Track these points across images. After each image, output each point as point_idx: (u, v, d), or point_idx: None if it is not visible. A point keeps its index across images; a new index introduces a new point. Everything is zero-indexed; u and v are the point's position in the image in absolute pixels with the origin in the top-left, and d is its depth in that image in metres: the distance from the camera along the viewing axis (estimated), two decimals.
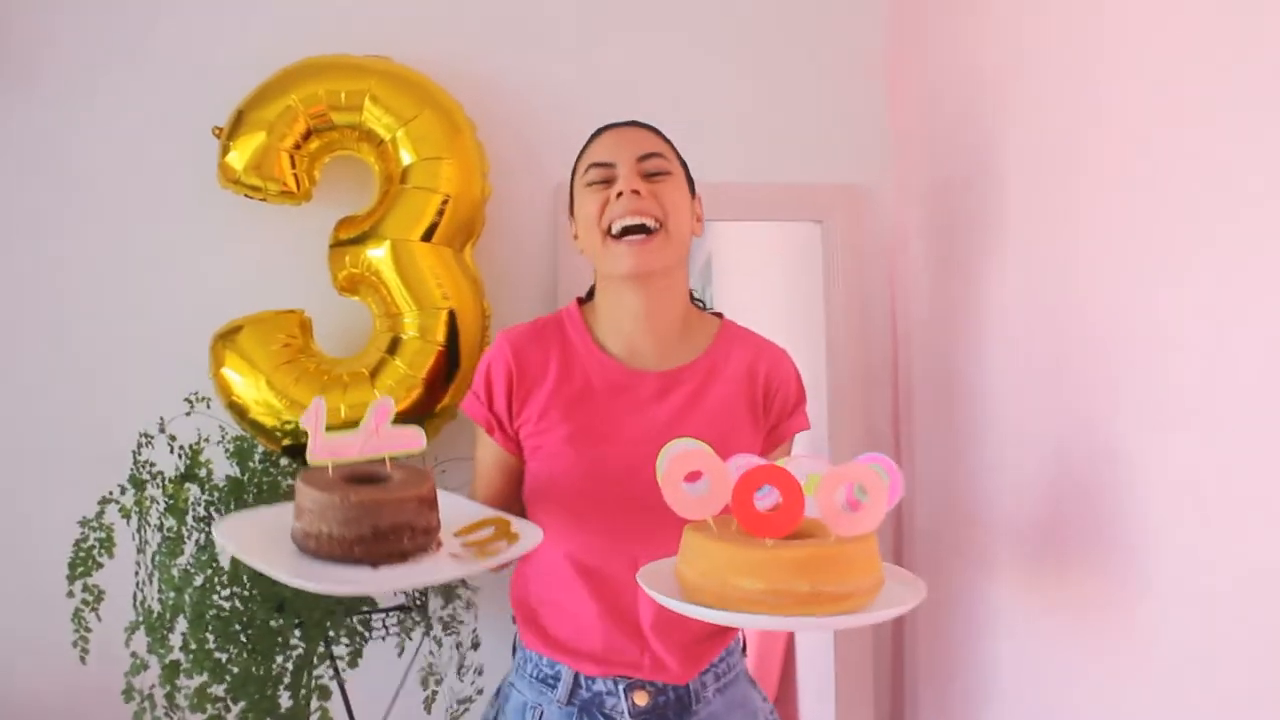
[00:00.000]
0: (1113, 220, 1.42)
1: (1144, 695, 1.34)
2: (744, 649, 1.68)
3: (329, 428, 1.80)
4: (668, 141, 1.60)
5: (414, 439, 1.35)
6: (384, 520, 1.26)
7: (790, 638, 2.30)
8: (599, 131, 1.61)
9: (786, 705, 2.71)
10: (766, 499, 1.20)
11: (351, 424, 1.53)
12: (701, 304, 1.70)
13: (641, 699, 1.53)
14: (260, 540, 1.33)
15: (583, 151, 1.60)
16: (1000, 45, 1.76)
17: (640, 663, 1.53)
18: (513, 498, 1.62)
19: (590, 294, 1.68)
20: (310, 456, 1.30)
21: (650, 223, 1.50)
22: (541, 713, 1.55)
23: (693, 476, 1.22)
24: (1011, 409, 1.71)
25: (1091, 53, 1.47)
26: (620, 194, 1.50)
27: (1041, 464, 1.60)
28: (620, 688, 1.53)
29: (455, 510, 1.46)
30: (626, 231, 1.50)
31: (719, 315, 1.68)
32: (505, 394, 1.57)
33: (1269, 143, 1.12)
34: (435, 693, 1.85)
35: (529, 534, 1.40)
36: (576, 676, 1.54)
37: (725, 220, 2.18)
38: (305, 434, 1.86)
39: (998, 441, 1.75)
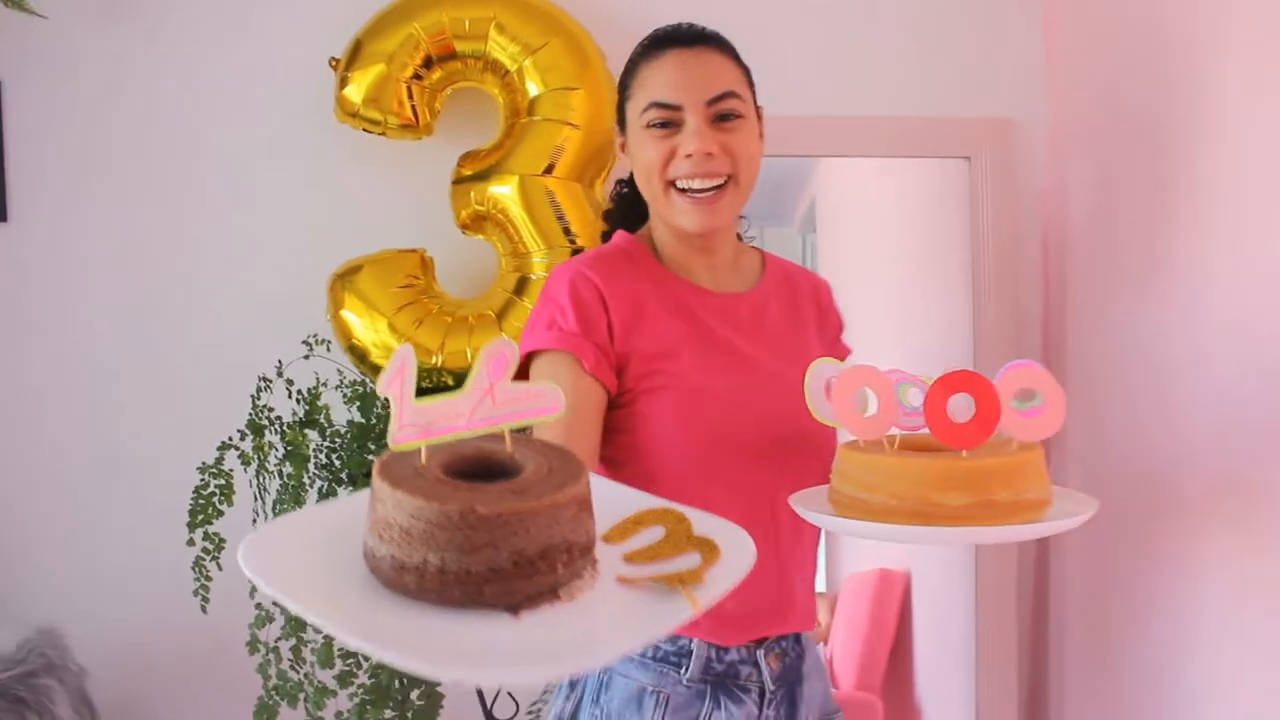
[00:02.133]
0: None
1: None
2: None
3: (443, 386, 1.65)
4: (737, 61, 1.38)
5: (550, 401, 0.86)
6: (532, 542, 0.77)
7: None
8: (658, 45, 1.36)
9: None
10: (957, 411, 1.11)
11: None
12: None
13: (776, 663, 1.37)
14: (316, 564, 0.80)
15: (637, 64, 1.36)
16: None
17: (782, 610, 1.37)
18: (596, 452, 1.32)
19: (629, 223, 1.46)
20: (394, 438, 0.81)
21: (721, 181, 1.32)
22: (668, 698, 1.33)
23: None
24: (1182, 362, 1.58)
25: None
26: (690, 155, 1.30)
27: (1219, 419, 1.47)
28: (758, 654, 1.35)
29: (601, 500, 0.88)
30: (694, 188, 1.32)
31: (756, 247, 1.52)
32: (603, 321, 1.30)
33: None
34: None
35: (733, 543, 0.88)
36: (710, 649, 1.33)
37: (864, 156, 2.05)
38: (426, 379, 1.80)
39: (1167, 406, 1.62)
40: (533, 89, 1.84)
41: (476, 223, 1.87)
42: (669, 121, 1.31)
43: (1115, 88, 1.83)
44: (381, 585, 0.78)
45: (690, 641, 1.32)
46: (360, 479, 1.65)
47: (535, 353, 1.29)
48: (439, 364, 1.78)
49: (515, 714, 1.84)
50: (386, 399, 1.63)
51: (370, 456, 1.69)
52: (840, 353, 1.51)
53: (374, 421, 1.73)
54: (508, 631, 0.75)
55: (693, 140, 1.29)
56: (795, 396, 1.24)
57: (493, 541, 0.76)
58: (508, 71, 1.86)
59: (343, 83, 1.87)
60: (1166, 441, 1.64)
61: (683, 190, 1.31)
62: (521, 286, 1.83)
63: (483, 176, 1.84)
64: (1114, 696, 1.80)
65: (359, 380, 1.82)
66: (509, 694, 1.87)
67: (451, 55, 1.87)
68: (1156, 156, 1.67)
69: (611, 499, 0.90)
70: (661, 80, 1.33)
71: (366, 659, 1.55)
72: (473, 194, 1.85)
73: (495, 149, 1.86)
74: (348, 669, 1.55)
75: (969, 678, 2.08)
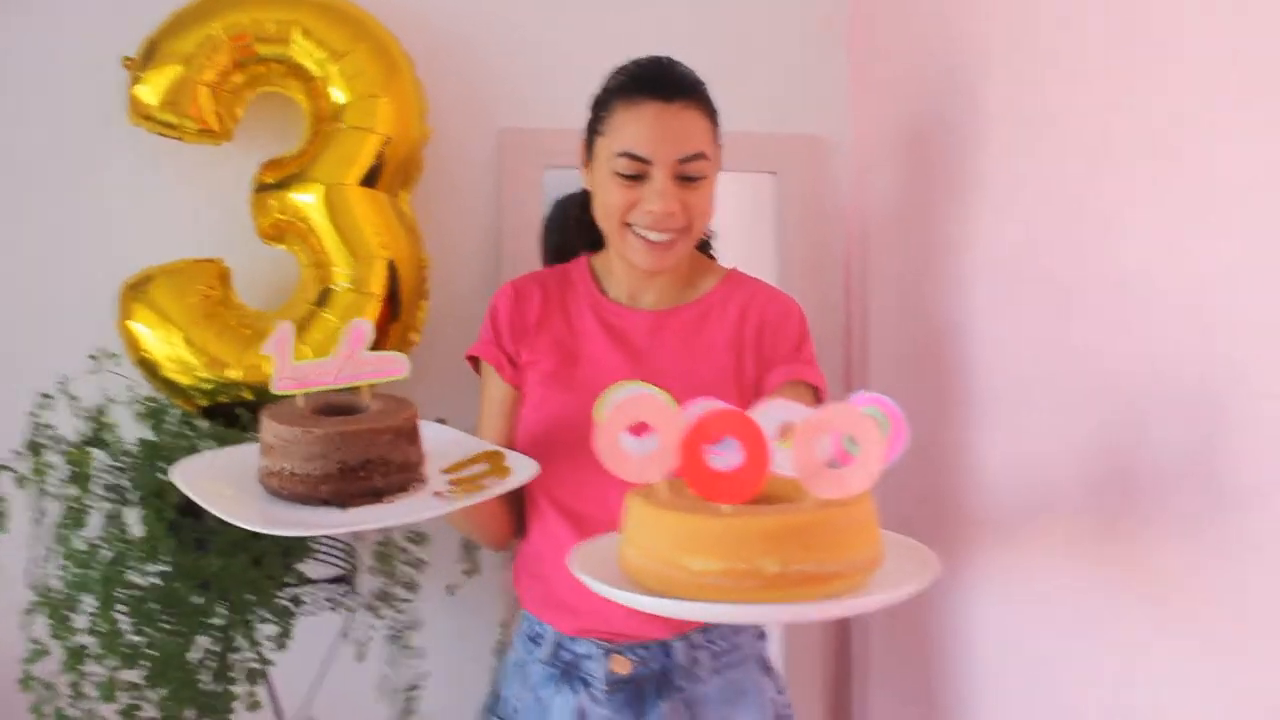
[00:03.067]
0: (1096, 176, 1.35)
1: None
2: (762, 633, 1.56)
3: (241, 401, 1.66)
4: (710, 114, 1.49)
5: (395, 365, 1.24)
6: (353, 455, 1.14)
7: None
8: (640, 91, 1.44)
9: None
10: (727, 455, 0.95)
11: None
12: (712, 255, 1.68)
13: (621, 666, 1.44)
14: (223, 482, 1.20)
15: (614, 100, 1.45)
16: None
17: (613, 618, 1.40)
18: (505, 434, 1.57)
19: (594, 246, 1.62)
20: (275, 386, 1.18)
21: (674, 235, 1.44)
22: (528, 672, 1.50)
23: (639, 429, 0.99)
24: (983, 371, 1.63)
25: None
26: (652, 210, 1.41)
27: (1034, 430, 1.52)
28: (600, 652, 1.44)
29: (451, 445, 1.35)
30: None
31: (730, 268, 1.62)
32: (510, 331, 1.53)
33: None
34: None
35: (522, 468, 1.28)
36: (559, 636, 1.47)
37: None
38: (223, 394, 1.72)
39: (973, 406, 1.67)
40: (338, 96, 1.79)
41: (278, 232, 1.80)
42: (638, 174, 1.41)
43: (913, 106, 1.89)
44: (264, 491, 1.18)
45: (546, 626, 1.48)
46: (150, 499, 1.56)
47: None
48: (237, 378, 1.71)
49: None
50: (181, 416, 1.61)
51: (162, 476, 1.60)
52: (784, 375, 1.48)
53: (167, 440, 1.65)
54: (336, 516, 1.14)
55: (657, 200, 1.41)
56: None
57: (324, 453, 1.13)
58: (313, 77, 1.80)
59: (135, 81, 1.77)
60: (961, 466, 1.70)
61: (638, 235, 1.43)
62: (324, 298, 1.76)
63: (285, 184, 1.77)
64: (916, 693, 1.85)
65: (151, 396, 1.73)
66: None
67: (254, 59, 1.79)
68: (948, 175, 1.73)
69: (465, 444, 1.35)
70: (637, 133, 1.41)
71: (152, 691, 1.46)
72: (274, 202, 1.78)
73: (299, 156, 1.80)
74: (134, 703, 1.46)
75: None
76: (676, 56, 2.03)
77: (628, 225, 1.44)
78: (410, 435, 1.22)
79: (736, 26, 2.11)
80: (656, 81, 1.44)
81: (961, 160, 1.70)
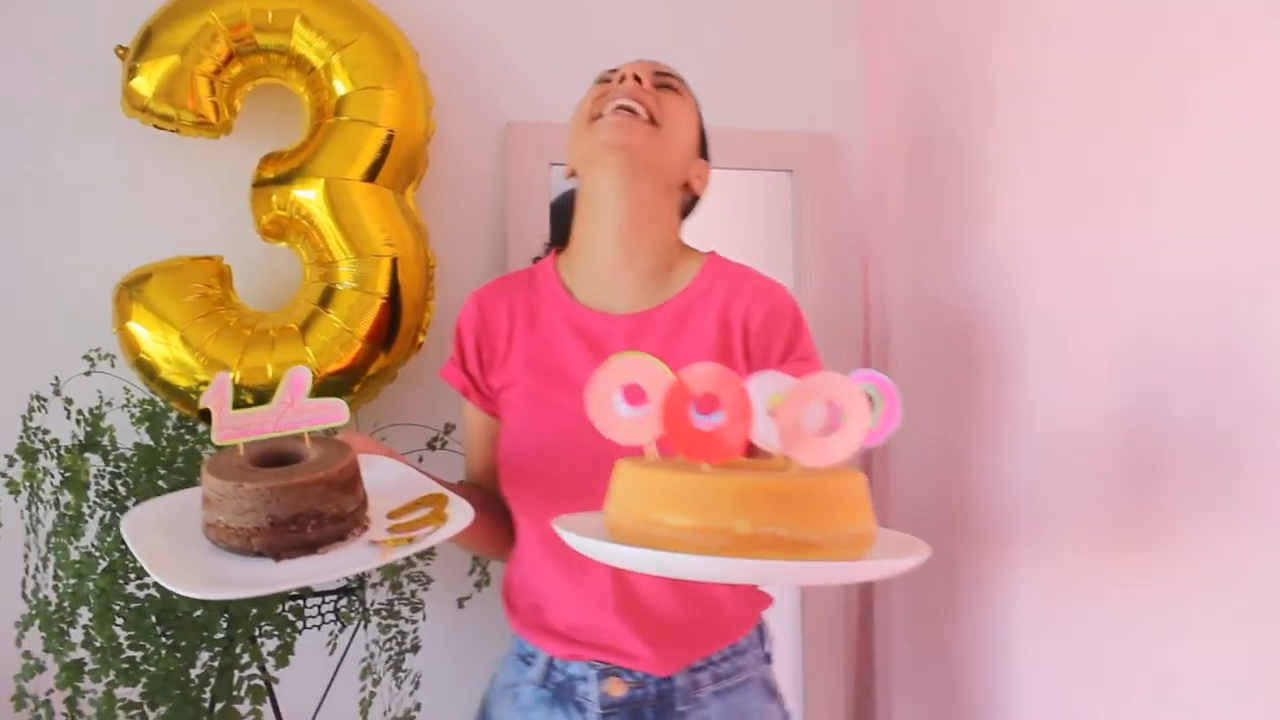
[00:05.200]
0: (1113, 166, 1.34)
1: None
2: (768, 655, 1.50)
3: (241, 403, 1.62)
4: (680, 81, 1.52)
5: (335, 412, 1.22)
6: (282, 510, 1.13)
7: None
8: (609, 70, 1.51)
9: None
10: (712, 420, 0.95)
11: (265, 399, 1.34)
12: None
13: (616, 689, 1.38)
14: (173, 530, 1.19)
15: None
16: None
17: (610, 646, 1.37)
18: (483, 458, 1.55)
19: (566, 239, 1.54)
20: (215, 437, 1.16)
21: (641, 110, 1.40)
22: (518, 694, 1.45)
23: (635, 396, 0.98)
24: (1000, 372, 1.60)
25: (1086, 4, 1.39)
26: (623, 78, 1.44)
27: (1046, 433, 1.49)
28: (594, 673, 1.38)
29: (403, 485, 1.29)
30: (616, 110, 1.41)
31: (708, 253, 1.52)
32: (475, 352, 1.49)
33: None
34: (373, 694, 1.64)
35: (457, 515, 1.22)
36: (550, 659, 1.42)
37: None
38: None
39: (994, 402, 1.63)
40: (340, 87, 1.73)
41: (279, 229, 1.75)
42: (609, 79, 1.46)
43: (927, 104, 1.86)
44: (208, 540, 1.16)
45: (536, 648, 1.42)
46: None
47: None
48: (237, 379, 1.65)
49: None
50: (179, 419, 1.56)
51: (160, 483, 1.55)
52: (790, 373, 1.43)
53: (164, 444, 1.59)
54: (266, 569, 1.11)
55: (625, 68, 1.45)
56: None
57: (254, 508, 1.12)
58: (314, 68, 1.74)
59: (131, 73, 1.71)
60: (980, 462, 1.66)
61: (606, 117, 1.40)
62: (327, 298, 1.71)
63: (286, 179, 1.71)
64: (942, 696, 1.82)
65: (148, 399, 1.67)
66: None
67: (254, 49, 1.73)
68: (964, 171, 1.70)
69: (414, 483, 1.29)
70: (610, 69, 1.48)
71: (153, 708, 1.41)
72: (275, 198, 1.72)
73: (300, 150, 1.74)
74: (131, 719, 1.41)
75: (797, 677, 2.07)
76: (689, 53, 2.01)
77: (596, 117, 1.42)
78: (345, 485, 1.18)
79: (751, 24, 2.07)
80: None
81: (976, 156, 1.67)
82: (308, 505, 1.14)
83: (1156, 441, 1.26)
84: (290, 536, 1.14)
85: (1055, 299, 1.47)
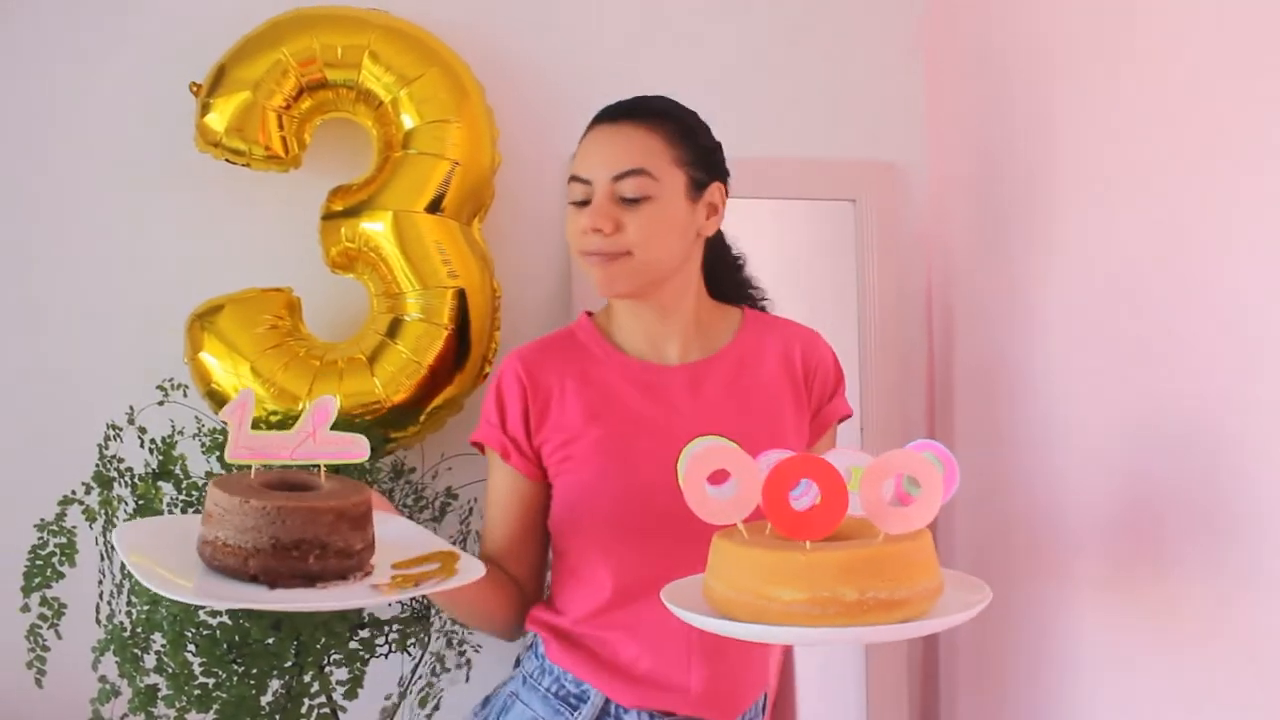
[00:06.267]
0: (1181, 203, 1.31)
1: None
2: (764, 710, 1.51)
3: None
4: (665, 134, 1.42)
5: (356, 448, 1.18)
6: (288, 532, 1.08)
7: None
8: (594, 120, 1.46)
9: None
10: (803, 497, 1.07)
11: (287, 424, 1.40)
12: (754, 287, 1.64)
13: None
14: (163, 547, 1.15)
15: (581, 139, 1.47)
16: (1047, 21, 1.63)
17: (686, 690, 1.37)
18: (532, 535, 1.49)
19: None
20: (229, 454, 1.14)
21: (608, 247, 1.39)
22: None
23: (718, 477, 1.08)
24: (1068, 404, 1.58)
25: (1154, 24, 1.36)
26: (581, 230, 1.40)
27: (1107, 460, 1.47)
28: None
29: (413, 543, 1.27)
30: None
31: (740, 307, 1.57)
32: (521, 412, 1.43)
33: None
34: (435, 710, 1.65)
35: (467, 569, 1.20)
36: (607, 702, 1.38)
37: (750, 198, 2.01)
38: (293, 424, 1.68)
39: (1051, 437, 1.62)
40: (408, 121, 1.76)
41: (347, 261, 1.77)
42: (583, 198, 1.40)
43: (989, 132, 1.85)
44: (201, 562, 1.13)
45: (589, 688, 1.38)
46: None
47: None
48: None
49: None
50: None
51: None
52: (830, 414, 1.52)
53: (234, 472, 1.61)
54: (261, 595, 1.08)
55: (585, 219, 1.39)
56: None
57: (257, 526, 1.08)
58: (381, 103, 1.77)
59: (204, 109, 1.75)
60: (1046, 496, 1.64)
61: (588, 256, 1.40)
62: (394, 329, 1.73)
63: (354, 212, 1.75)
64: None
65: (219, 429, 1.70)
66: None
67: (323, 84, 1.77)
68: (1027, 203, 1.69)
69: (425, 541, 1.27)
70: (581, 156, 1.43)
71: None
72: (343, 230, 1.75)
73: (368, 183, 1.77)
74: None
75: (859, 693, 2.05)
76: (751, 85, 2.03)
77: (582, 252, 1.41)
78: (356, 521, 1.15)
79: (813, 54, 2.08)
80: (610, 108, 1.45)
81: (1039, 186, 1.66)
82: (314, 533, 1.10)
83: (1230, 474, 1.24)
84: (291, 563, 1.10)
85: (1127, 328, 1.45)
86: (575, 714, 1.38)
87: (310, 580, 1.10)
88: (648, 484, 1.35)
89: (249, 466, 1.17)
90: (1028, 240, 1.69)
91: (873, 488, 1.02)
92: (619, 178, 1.38)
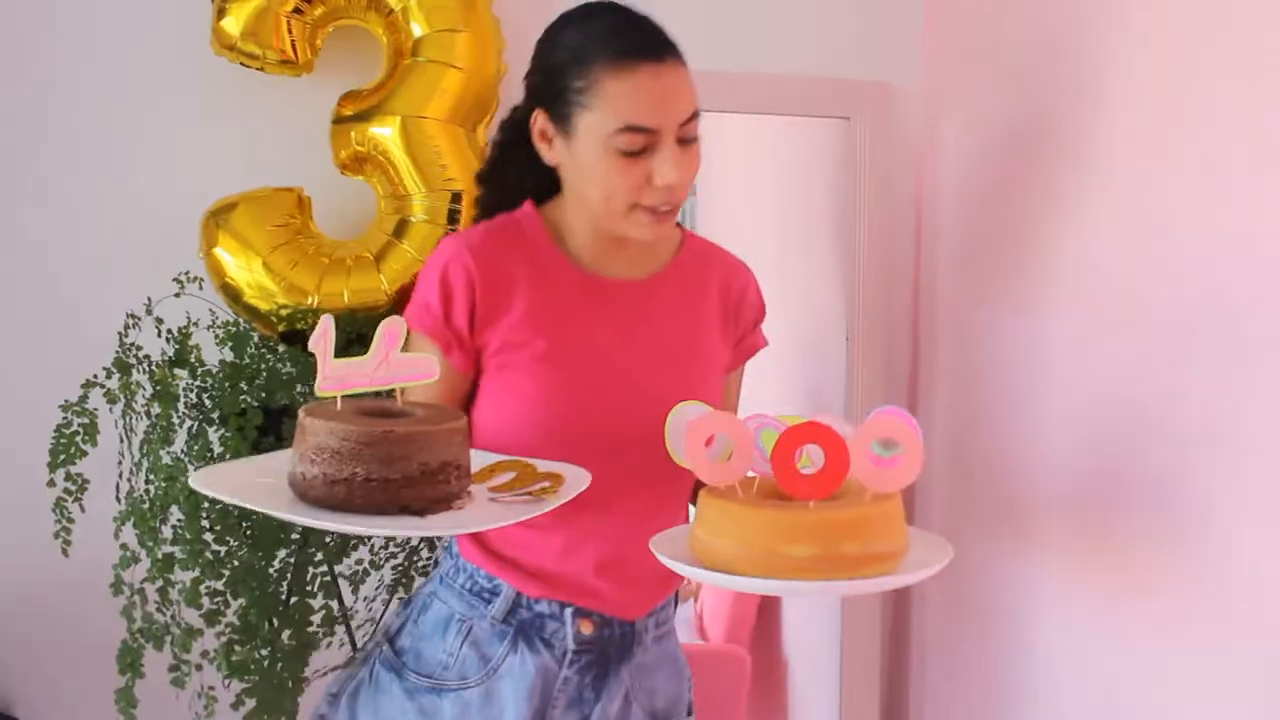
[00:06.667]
0: (1202, 154, 1.32)
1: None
2: (676, 604, 1.56)
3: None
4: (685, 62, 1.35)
5: (427, 368, 1.17)
6: (434, 456, 1.07)
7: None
8: (628, 56, 1.28)
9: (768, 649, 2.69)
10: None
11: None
12: None
13: (587, 628, 1.40)
14: (252, 490, 1.12)
15: (599, 72, 1.28)
16: None
17: (594, 591, 1.40)
18: None
19: (539, 194, 1.45)
20: (319, 387, 1.11)
21: (678, 205, 1.35)
22: (471, 628, 1.41)
23: (709, 440, 1.15)
24: (1050, 349, 1.64)
25: None
26: (668, 184, 1.29)
27: (1088, 416, 1.53)
28: (566, 612, 1.40)
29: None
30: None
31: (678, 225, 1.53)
32: (467, 309, 1.35)
33: None
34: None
35: (574, 476, 1.21)
36: (518, 595, 1.40)
37: (747, 114, 2.07)
38: (301, 320, 1.77)
39: (1031, 380, 1.69)
40: (417, 29, 1.81)
41: (356, 163, 1.84)
42: (646, 147, 1.28)
43: (984, 53, 1.89)
44: (308, 501, 1.07)
45: (501, 583, 1.39)
46: (233, 418, 1.62)
47: None
48: (315, 304, 1.76)
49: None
50: (261, 339, 1.66)
51: (244, 396, 1.66)
52: (752, 344, 1.54)
53: (247, 361, 1.70)
54: (415, 524, 1.08)
55: (671, 171, 1.28)
56: (641, 392, 1.34)
57: (406, 455, 1.06)
58: (392, 10, 1.82)
59: (220, 13, 1.80)
60: (1024, 435, 1.71)
61: (647, 210, 1.31)
62: (401, 229, 1.81)
63: (364, 117, 1.81)
64: (970, 658, 1.88)
65: (232, 320, 1.79)
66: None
67: None
68: (1021, 125, 1.73)
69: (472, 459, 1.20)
70: (639, 103, 1.27)
71: (234, 598, 1.53)
72: (353, 134, 1.81)
73: (377, 89, 1.83)
74: (215, 607, 1.53)
75: (834, 628, 2.15)
76: (749, 3, 2.05)
77: (635, 206, 1.31)
78: (468, 437, 1.17)
79: None
80: (644, 43, 1.30)
81: (1034, 112, 1.70)
82: (452, 454, 1.10)
83: (1192, 441, 1.30)
84: (437, 488, 1.09)
85: (1117, 259, 1.49)
86: (489, 607, 1.40)
87: (448, 501, 1.10)
88: (587, 404, 1.36)
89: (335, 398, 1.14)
90: (1017, 161, 1.74)
91: (861, 450, 1.09)
92: (685, 123, 1.30)
